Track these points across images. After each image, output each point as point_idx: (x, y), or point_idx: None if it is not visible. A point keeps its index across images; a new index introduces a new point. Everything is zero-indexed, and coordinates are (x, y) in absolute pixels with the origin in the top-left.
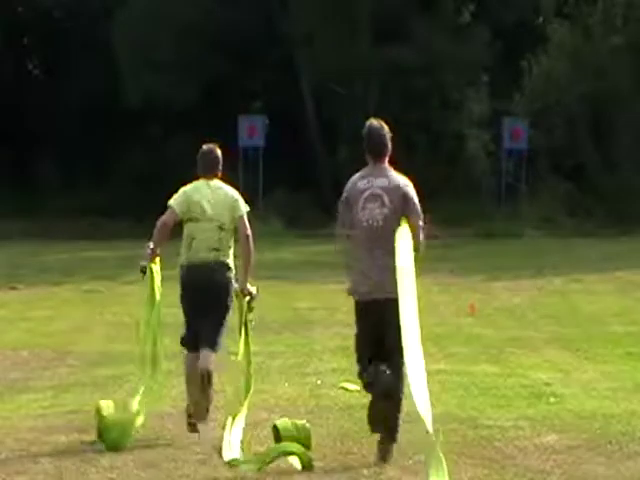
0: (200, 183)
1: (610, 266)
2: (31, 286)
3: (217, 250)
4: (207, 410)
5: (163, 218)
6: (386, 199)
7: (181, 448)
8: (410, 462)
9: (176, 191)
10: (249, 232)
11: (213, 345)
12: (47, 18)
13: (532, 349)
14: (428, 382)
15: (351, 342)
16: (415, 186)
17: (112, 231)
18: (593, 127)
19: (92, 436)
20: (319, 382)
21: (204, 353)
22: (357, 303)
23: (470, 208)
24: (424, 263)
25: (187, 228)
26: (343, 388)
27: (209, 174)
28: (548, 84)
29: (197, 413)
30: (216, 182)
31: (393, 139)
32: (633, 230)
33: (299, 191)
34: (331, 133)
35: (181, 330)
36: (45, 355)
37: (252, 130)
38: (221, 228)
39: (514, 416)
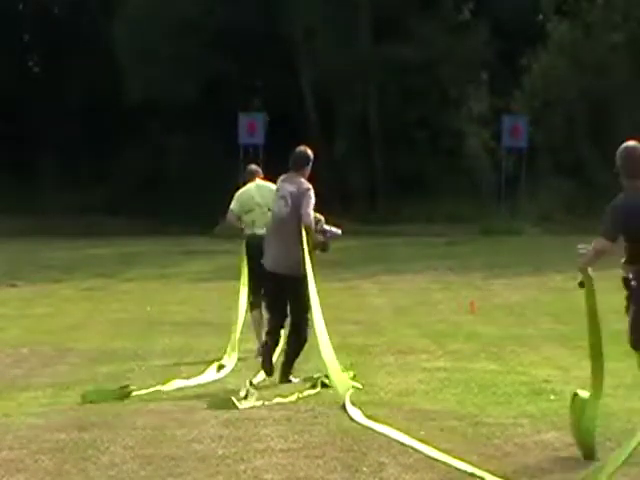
0: (249, 185)
1: (609, 263)
2: (31, 283)
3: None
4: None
5: (228, 216)
6: (289, 201)
7: (181, 446)
8: (411, 460)
9: (176, 189)
10: None
11: None
12: (48, 15)
13: (532, 346)
14: (429, 379)
15: (352, 339)
16: (415, 183)
17: (112, 228)
18: (592, 124)
19: (92, 434)
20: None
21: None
22: (267, 272)
23: (470, 205)
24: (425, 262)
25: (247, 216)
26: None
27: (253, 179)
28: (548, 81)
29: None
30: (260, 181)
31: (393, 136)
32: None
33: None
34: (331, 130)
35: (249, 296)
36: (45, 352)
37: (252, 127)
38: (270, 210)
39: (514, 413)
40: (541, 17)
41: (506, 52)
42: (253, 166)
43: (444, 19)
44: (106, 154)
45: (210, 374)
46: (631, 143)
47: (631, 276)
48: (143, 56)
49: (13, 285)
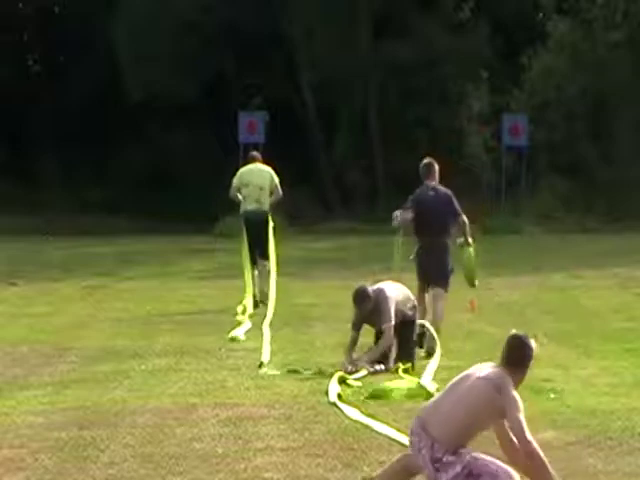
0: (250, 165)
1: (610, 262)
2: (31, 282)
3: (259, 202)
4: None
5: (230, 191)
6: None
7: (181, 444)
8: None
9: (177, 188)
10: (281, 193)
11: (267, 259)
12: (47, 14)
13: None
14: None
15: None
16: (415, 182)
17: (112, 227)
18: (593, 123)
19: (92, 432)
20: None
21: (262, 262)
22: None
23: (470, 204)
24: None
25: (243, 190)
26: (345, 384)
27: (254, 161)
28: (548, 80)
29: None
30: (258, 164)
31: (393, 135)
32: (633, 226)
33: (299, 187)
34: (331, 129)
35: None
36: (45, 351)
37: (252, 126)
38: (261, 189)
39: None
40: (541, 16)
41: (506, 51)
42: (255, 152)
43: (444, 18)
44: (106, 153)
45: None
46: (427, 159)
47: (417, 241)
48: (143, 55)
49: (13, 284)
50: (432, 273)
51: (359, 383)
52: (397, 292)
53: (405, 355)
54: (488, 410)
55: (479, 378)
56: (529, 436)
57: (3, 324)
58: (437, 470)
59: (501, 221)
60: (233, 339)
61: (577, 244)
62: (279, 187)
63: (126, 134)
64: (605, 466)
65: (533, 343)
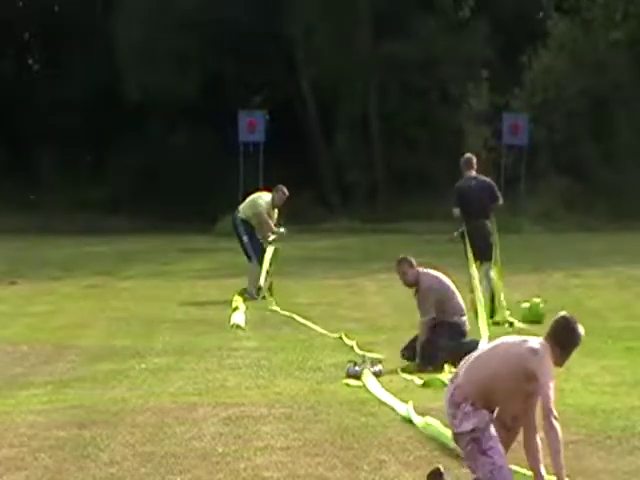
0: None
1: (610, 261)
2: (31, 281)
3: (245, 215)
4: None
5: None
6: None
7: (181, 443)
8: (411, 458)
9: (177, 186)
10: (257, 211)
11: (249, 259)
12: (48, 13)
13: None
14: (429, 376)
15: (352, 337)
16: (415, 180)
17: (112, 226)
18: (593, 122)
19: (92, 431)
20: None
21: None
22: None
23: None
24: (425, 259)
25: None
26: (345, 384)
27: (257, 192)
28: (548, 79)
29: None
30: (259, 192)
31: (393, 134)
32: (633, 225)
33: (299, 186)
34: (331, 128)
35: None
36: (45, 350)
37: (252, 125)
38: (246, 203)
39: None
40: (541, 15)
41: (506, 50)
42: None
43: (444, 17)
44: (106, 151)
45: None
46: (467, 154)
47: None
48: (143, 53)
49: (13, 283)
50: (481, 250)
51: (359, 382)
52: (446, 290)
53: (421, 354)
54: (517, 369)
55: (522, 340)
56: (553, 407)
57: (3, 323)
58: (453, 417)
59: (501, 220)
60: (236, 326)
61: (577, 243)
62: (259, 209)
63: (126, 133)
64: (605, 465)
65: (581, 329)
